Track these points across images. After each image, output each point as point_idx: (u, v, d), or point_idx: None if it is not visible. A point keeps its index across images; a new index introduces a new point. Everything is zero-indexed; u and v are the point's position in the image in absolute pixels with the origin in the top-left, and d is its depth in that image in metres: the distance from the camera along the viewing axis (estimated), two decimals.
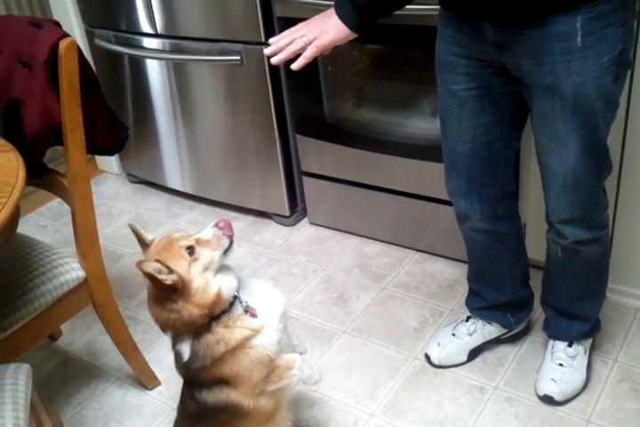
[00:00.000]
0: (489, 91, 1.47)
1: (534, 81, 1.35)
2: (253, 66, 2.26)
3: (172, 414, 1.76)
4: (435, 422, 1.72)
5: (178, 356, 1.39)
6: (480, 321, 1.87)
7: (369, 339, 2.01)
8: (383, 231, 2.42)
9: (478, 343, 1.88)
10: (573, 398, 1.74)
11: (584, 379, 1.76)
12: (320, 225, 2.57)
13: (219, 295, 1.31)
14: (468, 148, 1.56)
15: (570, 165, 1.42)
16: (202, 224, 2.62)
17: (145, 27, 2.44)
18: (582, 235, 1.54)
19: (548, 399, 1.73)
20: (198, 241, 1.32)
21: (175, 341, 1.39)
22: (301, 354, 1.50)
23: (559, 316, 1.77)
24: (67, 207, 1.67)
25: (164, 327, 1.36)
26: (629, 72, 1.60)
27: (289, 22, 2.12)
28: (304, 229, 2.59)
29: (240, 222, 2.64)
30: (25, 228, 2.61)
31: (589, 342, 1.82)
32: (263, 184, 2.54)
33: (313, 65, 2.20)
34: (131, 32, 2.50)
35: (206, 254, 1.31)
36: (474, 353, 1.88)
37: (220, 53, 2.29)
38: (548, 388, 1.73)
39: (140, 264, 1.25)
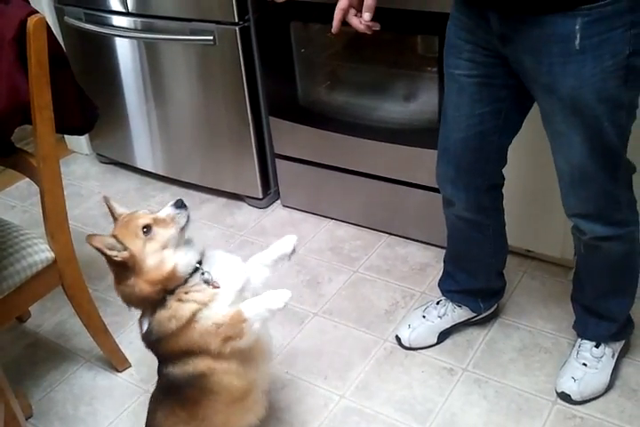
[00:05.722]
0: (489, 80, 1.46)
1: (534, 78, 1.35)
2: (226, 46, 2.24)
3: (143, 396, 1.77)
4: (404, 404, 1.74)
5: (140, 327, 1.43)
6: (450, 304, 1.89)
7: (340, 321, 2.02)
8: (356, 214, 2.42)
9: (448, 326, 1.89)
10: (591, 399, 1.69)
11: (606, 382, 1.70)
12: (293, 208, 2.56)
13: (173, 272, 1.34)
14: (460, 136, 1.55)
15: (576, 162, 1.40)
16: None
17: (116, 5, 2.39)
18: (601, 231, 1.51)
19: (564, 397, 1.69)
20: (156, 220, 1.36)
21: (142, 315, 1.42)
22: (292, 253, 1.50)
23: (586, 314, 1.73)
24: (36, 187, 1.65)
25: (127, 303, 1.40)
26: None
27: (262, 3, 2.11)
28: (277, 211, 2.58)
29: (212, 204, 2.63)
30: None
31: (619, 345, 1.75)
32: (236, 166, 2.53)
33: (286, 46, 2.19)
34: (101, 10, 2.45)
35: (162, 234, 1.34)
36: (443, 335, 1.90)
37: (192, 33, 2.26)
38: (567, 386, 1.69)
39: (89, 238, 1.30)
